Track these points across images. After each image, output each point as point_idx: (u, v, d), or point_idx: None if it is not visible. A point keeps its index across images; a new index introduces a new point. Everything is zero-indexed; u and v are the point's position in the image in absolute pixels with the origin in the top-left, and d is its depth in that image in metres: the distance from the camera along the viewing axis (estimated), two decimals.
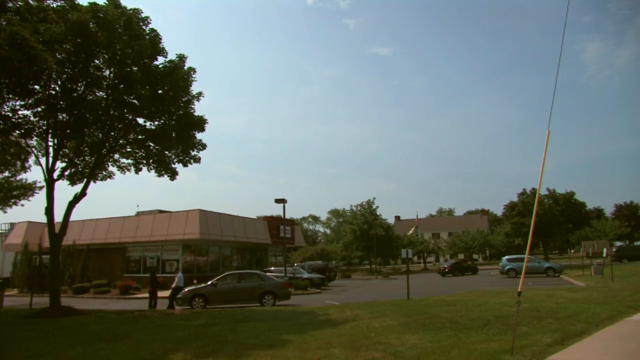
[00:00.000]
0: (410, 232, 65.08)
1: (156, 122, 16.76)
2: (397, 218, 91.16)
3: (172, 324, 11.89)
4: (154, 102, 15.77)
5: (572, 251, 65.48)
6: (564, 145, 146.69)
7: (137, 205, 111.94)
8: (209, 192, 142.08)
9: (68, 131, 15.16)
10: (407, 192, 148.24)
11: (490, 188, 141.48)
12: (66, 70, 14.25)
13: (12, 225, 38.77)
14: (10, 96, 13.61)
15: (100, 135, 16.38)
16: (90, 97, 15.16)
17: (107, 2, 14.69)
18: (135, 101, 15.63)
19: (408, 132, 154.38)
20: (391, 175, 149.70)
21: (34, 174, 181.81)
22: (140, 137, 16.86)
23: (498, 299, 15.18)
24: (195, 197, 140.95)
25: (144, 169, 17.63)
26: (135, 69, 15.08)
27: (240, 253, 38.08)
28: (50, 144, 15.41)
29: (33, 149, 16.37)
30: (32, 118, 14.54)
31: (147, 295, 20.09)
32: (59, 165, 16.01)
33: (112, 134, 16.58)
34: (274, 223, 39.15)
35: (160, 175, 17.34)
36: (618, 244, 54.62)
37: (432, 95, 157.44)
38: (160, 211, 34.49)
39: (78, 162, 16.70)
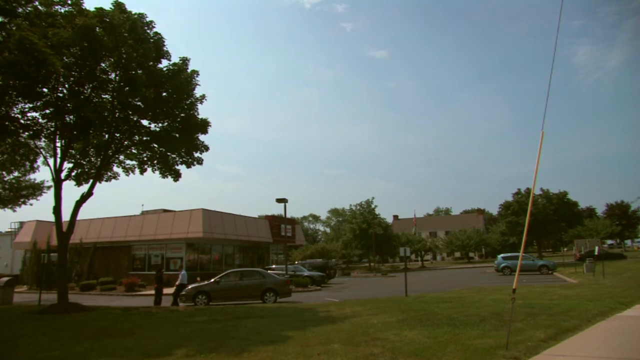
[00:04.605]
0: (413, 231, 65.39)
1: (160, 124, 16.98)
2: (396, 217, 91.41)
3: (176, 320, 12.04)
4: (158, 105, 15.98)
5: (565, 249, 65.79)
6: (557, 146, 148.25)
7: (142, 205, 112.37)
8: (211, 192, 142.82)
9: (75, 133, 15.41)
10: (405, 192, 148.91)
11: (485, 188, 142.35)
12: (73, 73, 14.47)
13: (22, 224, 39.32)
14: (20, 99, 13.88)
15: (106, 136, 16.63)
16: (96, 100, 15.34)
17: (113, 7, 14.91)
18: (140, 103, 15.82)
19: (405, 133, 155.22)
20: (389, 176, 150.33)
21: (43, 174, 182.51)
22: (144, 138, 17.05)
23: (493, 295, 15.40)
24: (199, 197, 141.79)
25: (149, 170, 17.88)
26: (140, 72, 15.26)
27: (243, 251, 38.36)
28: (58, 145, 15.69)
29: (41, 150, 16.70)
30: (40, 120, 14.80)
31: (151, 292, 20.40)
32: (66, 165, 16.32)
33: (118, 135, 16.81)
34: (275, 222, 39.46)
35: (164, 176, 17.54)
36: (609, 242, 54.78)
37: (428, 97, 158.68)
38: (165, 210, 34.72)
39: (84, 162, 16.94)
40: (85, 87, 15.09)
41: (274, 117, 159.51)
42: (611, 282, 19.19)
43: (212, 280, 18.84)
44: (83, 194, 16.26)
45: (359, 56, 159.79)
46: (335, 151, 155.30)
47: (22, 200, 25.90)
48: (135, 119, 16.47)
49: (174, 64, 16.52)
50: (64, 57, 13.73)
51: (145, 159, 17.68)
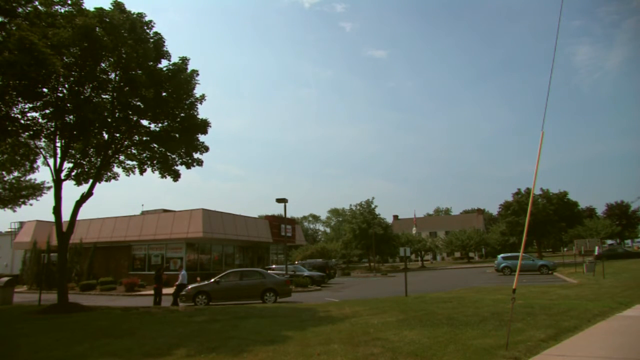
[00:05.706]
0: (414, 231, 65.46)
1: (160, 124, 16.99)
2: (396, 217, 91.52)
3: (176, 320, 12.03)
4: (158, 105, 15.97)
5: (565, 249, 65.82)
6: (557, 146, 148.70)
7: (142, 205, 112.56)
8: (211, 192, 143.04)
9: (75, 133, 15.40)
10: (405, 192, 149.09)
11: (485, 188, 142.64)
12: (73, 73, 14.49)
13: (22, 224, 39.42)
14: (20, 99, 13.85)
15: (106, 136, 16.63)
16: (96, 100, 15.36)
17: (112, 7, 14.93)
18: (139, 103, 15.85)
19: (405, 133, 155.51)
20: (389, 176, 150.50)
21: (43, 174, 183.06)
22: (144, 138, 17.07)
23: (493, 295, 15.39)
24: (199, 197, 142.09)
25: (148, 170, 17.87)
26: (140, 72, 15.28)
27: (243, 251, 38.39)
28: (58, 145, 15.70)
29: (41, 150, 16.68)
30: (40, 120, 14.78)
31: (151, 292, 20.41)
32: (66, 165, 16.32)
33: (117, 135, 16.81)
34: (275, 222, 39.49)
35: (163, 176, 17.54)
36: (609, 242, 54.89)
37: (427, 97, 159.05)
38: (165, 210, 34.73)
39: (84, 162, 16.93)
40: (85, 87, 15.10)
41: (273, 117, 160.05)
42: (611, 282, 19.20)
43: (212, 280, 18.83)
44: (83, 194, 16.28)
45: (359, 56, 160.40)
46: (335, 151, 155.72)
47: (22, 200, 25.99)
48: (135, 119, 16.47)
49: (174, 64, 16.52)
50: (64, 57, 13.76)
51: (145, 159, 17.67)
